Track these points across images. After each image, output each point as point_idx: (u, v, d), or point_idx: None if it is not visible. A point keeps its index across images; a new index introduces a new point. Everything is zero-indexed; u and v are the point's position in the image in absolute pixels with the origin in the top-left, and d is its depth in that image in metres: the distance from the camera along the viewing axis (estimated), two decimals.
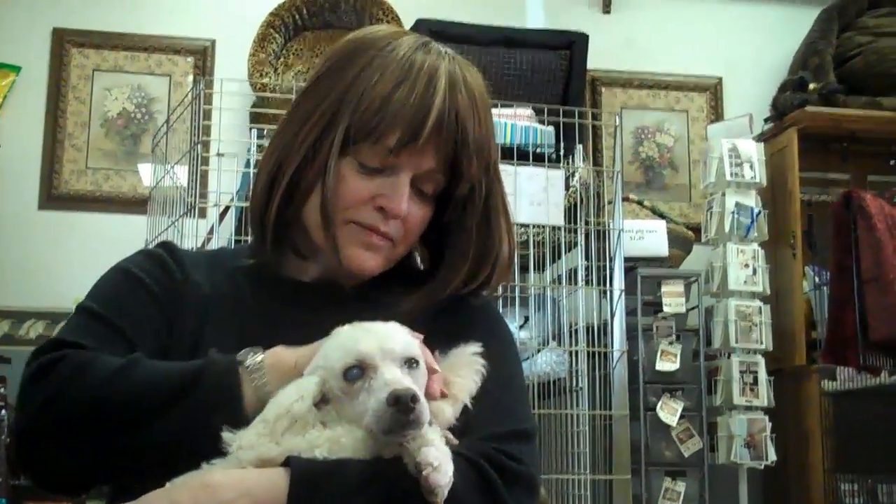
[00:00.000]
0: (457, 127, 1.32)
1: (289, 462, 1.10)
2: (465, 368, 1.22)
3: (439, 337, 1.24)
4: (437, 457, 1.06)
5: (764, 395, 4.20)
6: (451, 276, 1.39)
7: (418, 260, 1.52)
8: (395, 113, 1.29)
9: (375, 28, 1.43)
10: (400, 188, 1.33)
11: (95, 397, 1.17)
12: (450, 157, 1.33)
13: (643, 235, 4.32)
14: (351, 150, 1.32)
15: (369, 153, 1.32)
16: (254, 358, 1.20)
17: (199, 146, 3.27)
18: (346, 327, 1.19)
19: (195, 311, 1.36)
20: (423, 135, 1.29)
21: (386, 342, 1.13)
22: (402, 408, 1.06)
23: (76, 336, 1.26)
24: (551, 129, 3.89)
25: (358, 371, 1.12)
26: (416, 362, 1.15)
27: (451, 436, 1.17)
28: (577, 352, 3.60)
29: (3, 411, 3.73)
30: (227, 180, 3.37)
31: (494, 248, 1.40)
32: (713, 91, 5.50)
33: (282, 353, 1.21)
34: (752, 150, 4.39)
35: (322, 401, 1.16)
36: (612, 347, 3.63)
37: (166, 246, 1.45)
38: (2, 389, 3.88)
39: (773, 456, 4.16)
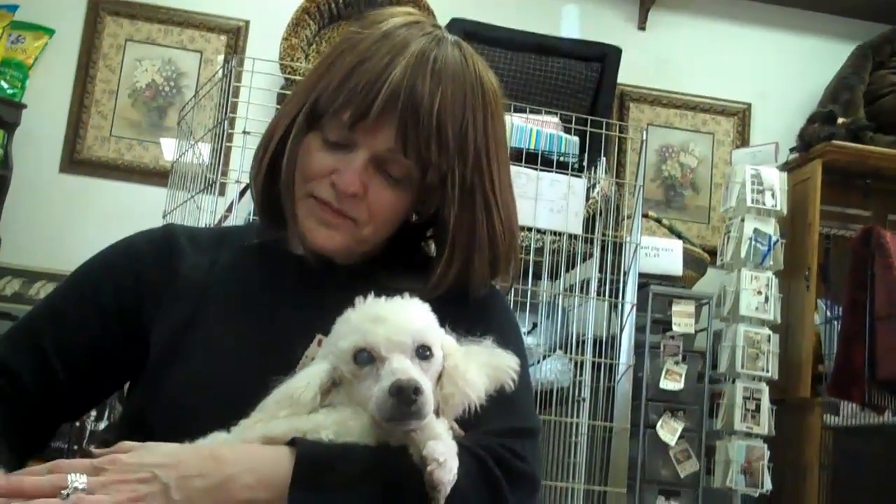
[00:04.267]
0: (411, 104, 1.28)
1: (294, 442, 1.10)
2: (491, 369, 1.19)
3: (447, 326, 1.22)
4: (443, 452, 1.05)
5: (765, 424, 4.18)
6: (438, 265, 1.37)
7: (432, 246, 1.49)
8: (352, 88, 1.28)
9: (384, 10, 1.41)
10: (351, 165, 1.31)
11: None
12: (414, 138, 1.30)
13: (658, 253, 4.31)
14: (318, 124, 1.33)
15: (331, 128, 1.32)
16: None
17: (225, 122, 3.27)
18: (361, 308, 1.17)
19: (189, 291, 1.37)
20: (373, 110, 1.27)
21: (396, 333, 1.12)
22: (403, 398, 1.05)
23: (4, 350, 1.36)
24: (576, 138, 3.87)
25: (367, 355, 1.11)
26: (430, 351, 1.13)
27: (457, 427, 1.16)
28: (582, 362, 3.59)
29: None
30: (250, 158, 3.37)
31: (479, 241, 1.37)
32: (741, 116, 5.48)
33: None
34: (775, 179, 4.37)
35: (332, 384, 1.15)
36: (619, 360, 3.62)
37: (163, 234, 1.47)
38: None
39: (768, 485, 4.13)
